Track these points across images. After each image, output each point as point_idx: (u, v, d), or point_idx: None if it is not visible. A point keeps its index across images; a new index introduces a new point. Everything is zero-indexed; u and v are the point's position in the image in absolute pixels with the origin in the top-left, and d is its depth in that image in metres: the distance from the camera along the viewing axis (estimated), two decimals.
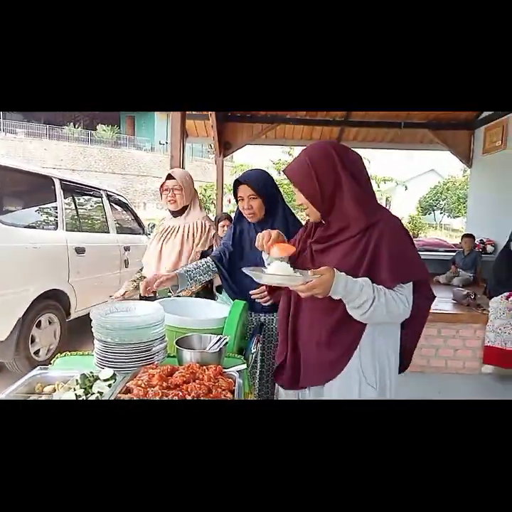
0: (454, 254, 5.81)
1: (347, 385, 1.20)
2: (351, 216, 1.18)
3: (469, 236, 5.54)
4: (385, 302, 1.12)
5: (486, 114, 6.12)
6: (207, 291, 2.08)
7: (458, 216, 23.49)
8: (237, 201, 1.78)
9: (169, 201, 2.13)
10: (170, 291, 1.73)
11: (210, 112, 5.65)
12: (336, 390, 1.21)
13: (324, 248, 1.26)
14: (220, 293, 2.83)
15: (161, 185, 2.15)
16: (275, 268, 1.18)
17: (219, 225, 3.63)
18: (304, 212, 1.29)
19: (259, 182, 1.72)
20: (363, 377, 1.19)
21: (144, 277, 2.01)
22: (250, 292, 1.72)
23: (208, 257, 1.85)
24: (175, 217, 2.20)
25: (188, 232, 2.14)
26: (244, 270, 1.23)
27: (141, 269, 2.29)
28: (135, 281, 2.26)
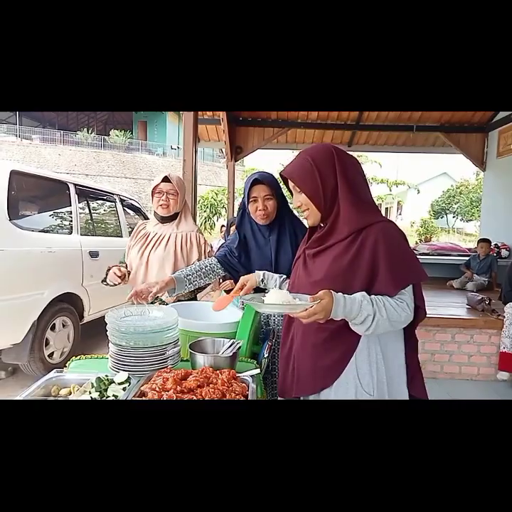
0: (467, 258, 5.74)
1: (343, 393, 1.16)
2: (345, 218, 1.17)
3: (486, 241, 5.47)
4: (387, 315, 1.10)
5: (500, 116, 6.05)
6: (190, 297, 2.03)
7: (471, 220, 23.19)
8: (248, 202, 1.72)
9: (161, 205, 1.99)
10: (156, 298, 1.71)
11: (221, 117, 5.69)
12: (332, 398, 1.18)
13: (317, 252, 1.25)
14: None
15: (155, 187, 2.01)
16: (274, 296, 1.15)
17: (231, 229, 3.66)
18: (304, 215, 1.27)
19: (274, 182, 1.71)
20: (360, 384, 1.15)
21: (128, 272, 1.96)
22: None
23: (212, 258, 1.79)
24: (163, 223, 2.05)
25: (181, 243, 2.02)
26: (243, 299, 1.24)
27: (124, 265, 2.05)
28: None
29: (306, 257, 1.30)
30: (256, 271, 1.54)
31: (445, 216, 24.74)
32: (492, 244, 5.68)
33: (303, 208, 1.25)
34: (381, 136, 7.00)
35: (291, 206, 1.77)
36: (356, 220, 1.16)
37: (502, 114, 5.98)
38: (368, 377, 1.16)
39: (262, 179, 1.68)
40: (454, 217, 24.52)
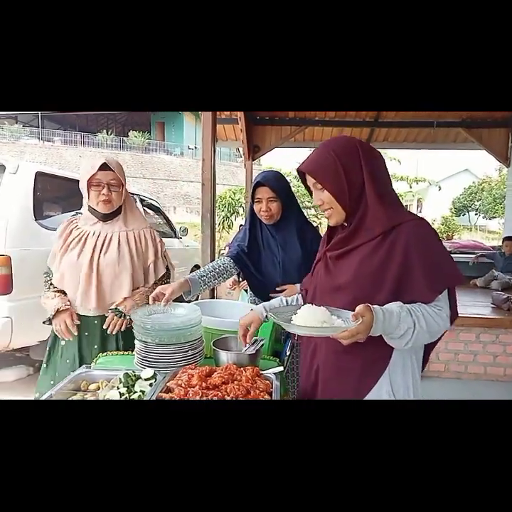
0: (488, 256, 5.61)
1: None
2: (373, 216, 1.08)
3: (511, 239, 5.33)
4: (426, 325, 1.01)
5: None
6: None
7: (494, 217, 22.62)
8: (253, 203, 1.76)
9: (103, 201, 1.61)
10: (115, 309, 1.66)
11: (239, 116, 5.71)
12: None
13: (341, 253, 1.14)
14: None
15: (90, 178, 1.58)
16: (308, 315, 1.04)
17: None
18: (326, 214, 1.16)
19: (279, 184, 1.73)
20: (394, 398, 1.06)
21: (58, 291, 1.66)
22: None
23: (224, 258, 1.80)
24: (105, 221, 1.68)
25: (135, 243, 1.72)
26: (270, 316, 1.15)
27: (49, 278, 1.72)
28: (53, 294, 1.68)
29: (327, 260, 1.20)
30: (257, 306, 1.37)
31: (467, 213, 24.21)
32: None
33: (325, 206, 1.14)
34: (400, 132, 6.89)
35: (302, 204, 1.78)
36: (386, 218, 1.07)
37: None
38: (402, 391, 1.07)
39: (264, 182, 1.70)
40: (476, 214, 23.97)
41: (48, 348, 1.71)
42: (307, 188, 1.20)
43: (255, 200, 1.75)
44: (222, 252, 3.47)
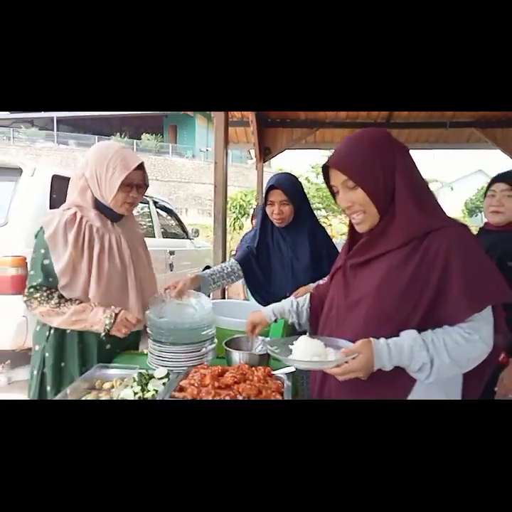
0: None
1: None
2: (404, 219, 0.94)
3: None
4: (450, 358, 0.88)
5: None
6: None
7: None
8: (265, 205, 1.77)
9: (130, 203, 1.45)
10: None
11: (251, 119, 5.73)
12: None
13: (364, 261, 1.01)
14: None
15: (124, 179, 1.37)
16: (303, 348, 0.98)
17: (254, 221, 3.45)
18: (355, 219, 1.01)
19: (292, 187, 1.73)
20: None
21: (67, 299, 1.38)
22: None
23: (232, 260, 1.84)
24: (117, 221, 1.48)
25: (138, 248, 1.56)
26: (267, 349, 1.10)
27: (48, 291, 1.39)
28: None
29: (347, 269, 1.07)
30: (266, 308, 1.32)
31: (479, 214, 23.85)
32: None
33: (355, 208, 0.99)
34: (413, 133, 6.83)
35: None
36: (419, 222, 0.93)
37: None
38: None
39: (277, 185, 1.71)
40: None
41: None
42: (330, 188, 1.06)
43: (268, 203, 1.76)
44: (232, 253, 3.50)
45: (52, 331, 1.41)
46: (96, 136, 22.91)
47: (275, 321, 1.31)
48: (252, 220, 3.20)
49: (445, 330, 0.91)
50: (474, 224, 22.93)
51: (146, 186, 1.49)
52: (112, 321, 1.33)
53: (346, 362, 0.89)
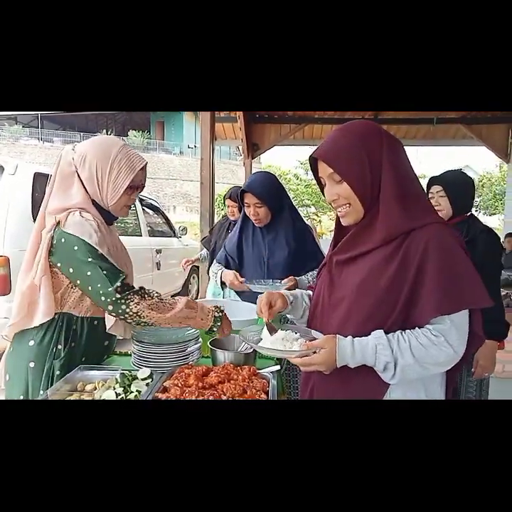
0: None
1: None
2: (386, 215, 0.92)
3: None
4: (415, 359, 0.87)
5: None
6: None
7: (494, 213, 22.58)
8: (243, 206, 1.82)
9: (129, 206, 1.39)
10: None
11: (238, 115, 5.70)
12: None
13: (349, 258, 0.99)
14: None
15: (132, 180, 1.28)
16: (273, 337, 1.01)
17: (225, 203, 3.17)
18: (340, 212, 0.99)
19: (264, 190, 1.75)
20: None
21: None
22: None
23: (216, 263, 1.92)
24: (109, 224, 1.37)
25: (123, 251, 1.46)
26: (241, 336, 1.09)
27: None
28: None
29: (332, 265, 1.05)
30: (283, 291, 1.19)
31: None
32: None
33: (341, 202, 0.97)
34: (400, 129, 6.87)
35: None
36: (400, 222, 0.91)
37: None
38: None
39: (248, 190, 1.73)
40: (476, 210, 23.92)
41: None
42: (318, 180, 1.04)
43: (244, 205, 1.80)
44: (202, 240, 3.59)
45: (61, 347, 1.25)
46: (82, 134, 22.63)
47: (291, 303, 1.17)
48: (224, 201, 3.13)
49: (414, 331, 0.90)
50: None
51: (144, 186, 1.40)
52: (222, 314, 1.29)
53: (310, 354, 0.91)
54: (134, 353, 1.33)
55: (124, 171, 1.25)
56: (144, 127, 25.01)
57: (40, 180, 3.17)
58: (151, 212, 5.14)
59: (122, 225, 4.41)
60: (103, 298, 1.16)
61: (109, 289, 1.16)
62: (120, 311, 1.16)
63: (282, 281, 1.71)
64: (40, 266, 1.21)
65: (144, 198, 4.95)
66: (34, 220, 3.01)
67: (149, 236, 4.74)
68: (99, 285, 1.16)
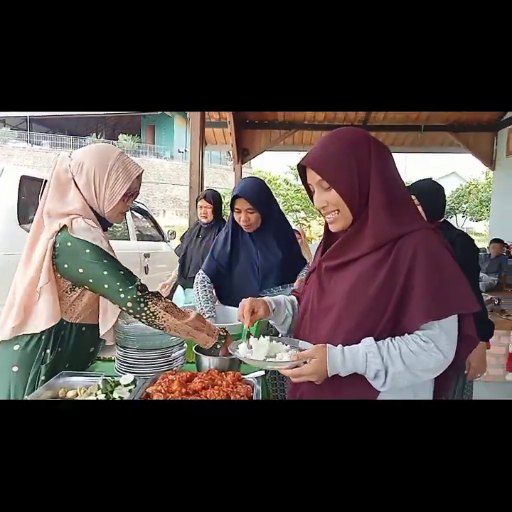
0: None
1: None
2: (375, 222, 0.92)
3: (498, 241, 5.43)
4: (405, 366, 0.87)
5: (509, 114, 5.99)
6: None
7: (481, 219, 22.94)
8: (232, 211, 1.79)
9: (124, 213, 1.42)
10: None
11: (228, 119, 5.72)
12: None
13: (337, 265, 0.99)
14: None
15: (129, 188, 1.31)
16: (260, 347, 1.00)
17: (197, 205, 3.02)
18: (328, 218, 0.99)
19: (257, 195, 1.74)
20: None
21: None
22: None
23: (202, 273, 1.87)
24: (105, 230, 1.38)
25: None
26: (229, 350, 1.06)
27: None
28: None
29: (322, 272, 1.04)
30: (266, 297, 1.17)
31: (454, 216, 24.51)
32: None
33: (329, 208, 0.97)
34: (388, 136, 6.97)
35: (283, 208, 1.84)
36: (388, 230, 0.91)
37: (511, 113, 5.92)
38: None
39: (241, 195, 1.72)
40: (463, 217, 24.27)
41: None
42: (307, 187, 1.04)
43: (235, 210, 1.78)
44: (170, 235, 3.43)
45: (49, 352, 1.23)
46: (71, 137, 22.48)
47: (273, 311, 1.16)
48: (197, 202, 3.02)
49: (403, 338, 0.90)
50: None
51: (138, 193, 1.43)
52: (226, 334, 1.32)
53: (301, 364, 0.90)
54: (118, 359, 1.32)
55: (121, 178, 1.27)
56: (134, 131, 24.92)
57: (27, 184, 3.14)
58: (139, 216, 5.11)
59: (111, 229, 4.37)
60: (123, 295, 1.18)
61: (130, 287, 1.18)
62: (139, 308, 1.18)
63: (294, 285, 1.75)
64: (44, 272, 1.19)
65: (133, 202, 4.92)
66: (20, 223, 2.99)
67: (138, 240, 4.71)
68: (118, 283, 1.18)
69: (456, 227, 1.89)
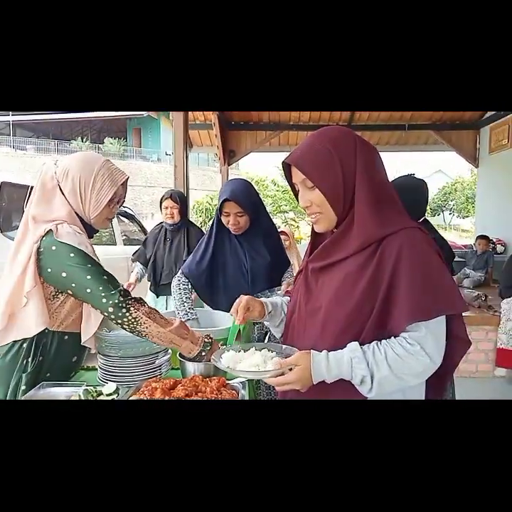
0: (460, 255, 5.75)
1: None
2: (361, 222, 0.91)
3: (484, 237, 5.49)
4: (391, 370, 0.85)
5: (491, 113, 6.07)
6: None
7: (467, 216, 23.28)
8: (220, 215, 1.75)
9: (110, 219, 1.42)
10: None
11: (213, 121, 5.70)
12: None
13: (324, 266, 0.98)
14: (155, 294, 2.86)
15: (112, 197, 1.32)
16: (245, 357, 0.99)
17: (162, 206, 2.88)
18: (312, 218, 0.99)
19: (247, 198, 1.72)
20: None
21: None
22: None
23: (181, 276, 1.83)
24: (90, 237, 1.39)
25: None
26: (213, 359, 1.03)
27: None
28: None
29: (308, 273, 1.03)
30: (262, 299, 1.15)
31: (441, 213, 24.83)
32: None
33: (313, 209, 0.96)
34: (373, 136, 7.01)
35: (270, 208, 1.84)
36: (376, 226, 0.89)
37: (493, 111, 6.01)
38: None
39: (231, 198, 1.68)
40: (450, 214, 24.61)
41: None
42: (292, 186, 1.03)
43: (223, 214, 1.74)
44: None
45: (30, 360, 1.20)
46: (56, 141, 22.21)
47: (269, 313, 1.14)
48: (161, 203, 2.86)
49: (389, 341, 0.87)
50: (436, 223, 23.93)
51: (124, 200, 1.44)
52: (211, 341, 1.30)
53: (286, 372, 0.88)
54: (100, 368, 1.29)
55: (107, 184, 1.29)
56: (120, 135, 24.73)
57: (7, 190, 3.09)
58: (126, 220, 5.06)
59: (97, 234, 4.32)
60: (105, 300, 1.17)
61: (113, 292, 1.17)
62: (120, 314, 1.16)
63: (281, 289, 1.74)
64: (30, 276, 1.19)
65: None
66: (2, 231, 2.93)
67: (125, 245, 4.66)
68: (101, 288, 1.17)
69: (436, 228, 1.85)
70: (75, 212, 1.29)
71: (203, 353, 1.26)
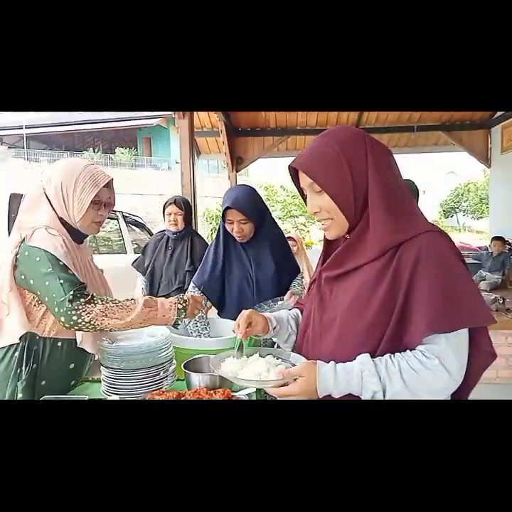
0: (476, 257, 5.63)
1: None
2: (376, 228, 0.85)
3: (499, 239, 5.37)
4: (406, 385, 0.78)
5: (501, 111, 5.97)
6: None
7: (481, 217, 22.93)
8: (224, 222, 1.72)
9: (99, 222, 1.39)
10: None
11: (220, 128, 5.71)
12: None
13: (338, 275, 0.92)
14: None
15: (94, 198, 1.31)
16: (248, 364, 0.95)
17: (165, 212, 2.68)
18: (322, 225, 0.93)
19: (250, 205, 1.68)
20: None
21: None
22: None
23: (194, 290, 1.79)
24: (81, 243, 1.41)
25: (96, 271, 1.50)
26: (211, 367, 1.01)
27: None
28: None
29: (322, 282, 0.98)
30: (266, 314, 1.10)
31: (455, 215, 24.50)
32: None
33: (323, 215, 0.91)
34: (382, 138, 6.93)
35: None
36: (391, 231, 0.83)
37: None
38: None
39: (234, 206, 1.64)
40: (464, 215, 24.27)
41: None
42: (300, 191, 0.98)
43: (227, 221, 1.70)
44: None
45: (23, 368, 1.19)
46: (68, 153, 22.60)
47: (274, 329, 1.09)
48: (164, 209, 2.68)
49: (404, 354, 0.81)
50: (450, 225, 23.66)
51: (113, 204, 1.43)
52: (185, 304, 1.27)
53: (290, 382, 0.83)
54: (104, 380, 1.26)
55: (88, 186, 1.30)
56: (131, 144, 25.06)
57: (17, 201, 3.12)
58: (137, 229, 5.08)
59: (108, 243, 4.35)
60: (57, 309, 1.14)
61: (62, 299, 1.13)
62: (72, 322, 1.13)
63: (284, 298, 1.70)
64: (6, 282, 1.20)
65: (128, 215, 4.90)
66: None
67: (135, 253, 4.68)
68: (54, 295, 1.14)
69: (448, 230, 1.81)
70: (60, 218, 1.30)
71: (179, 321, 1.26)
